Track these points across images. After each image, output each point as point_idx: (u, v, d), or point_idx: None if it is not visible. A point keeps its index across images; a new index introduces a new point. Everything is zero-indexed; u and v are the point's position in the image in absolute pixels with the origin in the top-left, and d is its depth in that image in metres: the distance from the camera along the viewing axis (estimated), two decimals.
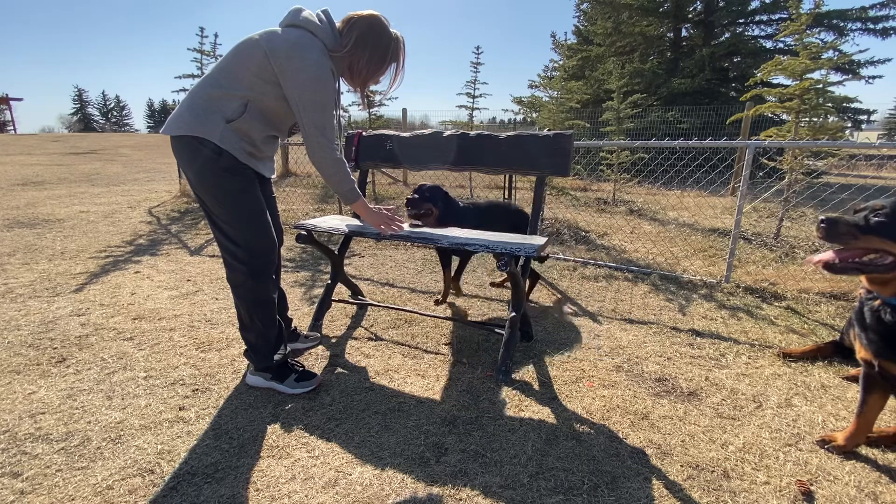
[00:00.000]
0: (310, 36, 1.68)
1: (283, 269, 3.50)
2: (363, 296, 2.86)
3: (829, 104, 4.64)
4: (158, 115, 77.88)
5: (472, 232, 2.20)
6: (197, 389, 1.91)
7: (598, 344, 2.34)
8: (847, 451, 1.57)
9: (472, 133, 2.47)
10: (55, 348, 2.24)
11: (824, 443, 1.60)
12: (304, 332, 2.33)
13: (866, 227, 1.37)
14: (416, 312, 2.59)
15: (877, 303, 1.45)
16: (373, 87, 1.96)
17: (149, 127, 76.53)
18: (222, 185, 1.70)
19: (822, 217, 1.41)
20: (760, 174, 5.34)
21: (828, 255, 1.45)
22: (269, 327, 1.87)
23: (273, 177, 2.00)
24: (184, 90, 7.60)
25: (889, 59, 11.49)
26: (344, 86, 1.92)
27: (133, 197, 7.04)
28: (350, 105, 8.21)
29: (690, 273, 3.44)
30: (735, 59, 12.67)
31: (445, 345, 2.35)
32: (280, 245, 2.10)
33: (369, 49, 1.78)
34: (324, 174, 1.83)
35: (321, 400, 1.85)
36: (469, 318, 2.68)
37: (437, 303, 2.85)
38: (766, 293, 3.04)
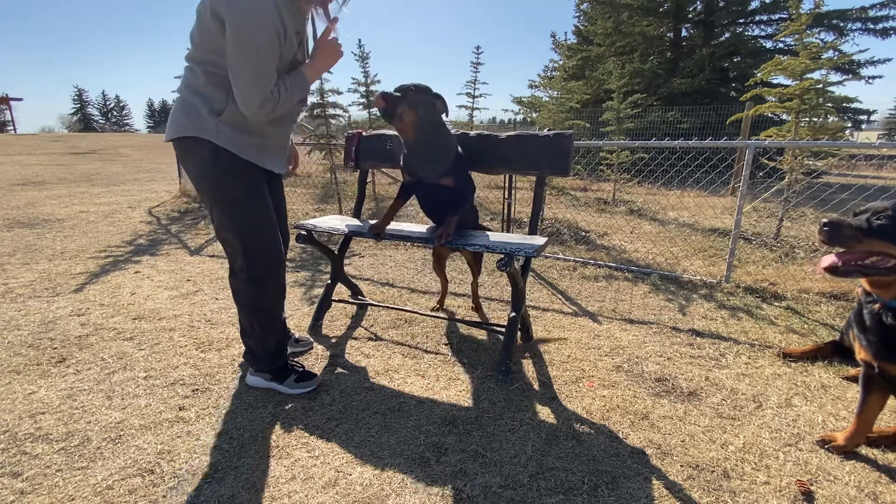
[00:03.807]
0: None
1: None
2: (363, 296, 2.86)
3: (829, 104, 4.64)
4: (158, 115, 77.99)
5: (473, 232, 2.20)
6: (197, 389, 1.91)
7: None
8: (847, 451, 1.57)
9: (472, 133, 2.47)
10: (55, 348, 2.24)
11: (824, 443, 1.60)
12: (297, 336, 2.28)
13: (869, 231, 1.36)
14: (416, 312, 2.59)
15: (877, 306, 1.45)
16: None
17: (149, 127, 76.57)
18: (223, 189, 1.63)
19: (825, 220, 1.40)
20: (760, 174, 5.33)
21: (830, 259, 1.44)
22: (269, 333, 1.84)
23: (285, 172, 1.89)
24: None
25: (889, 59, 11.48)
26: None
27: (133, 197, 7.04)
28: (350, 105, 8.24)
29: (690, 273, 3.43)
30: (735, 59, 12.66)
31: (445, 345, 2.35)
32: (286, 247, 2.03)
33: None
34: (270, 118, 1.62)
35: (321, 400, 1.85)
36: (469, 318, 2.68)
37: (433, 310, 2.77)
38: (766, 293, 3.04)
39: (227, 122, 1.58)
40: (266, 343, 1.84)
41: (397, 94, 1.93)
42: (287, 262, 3.69)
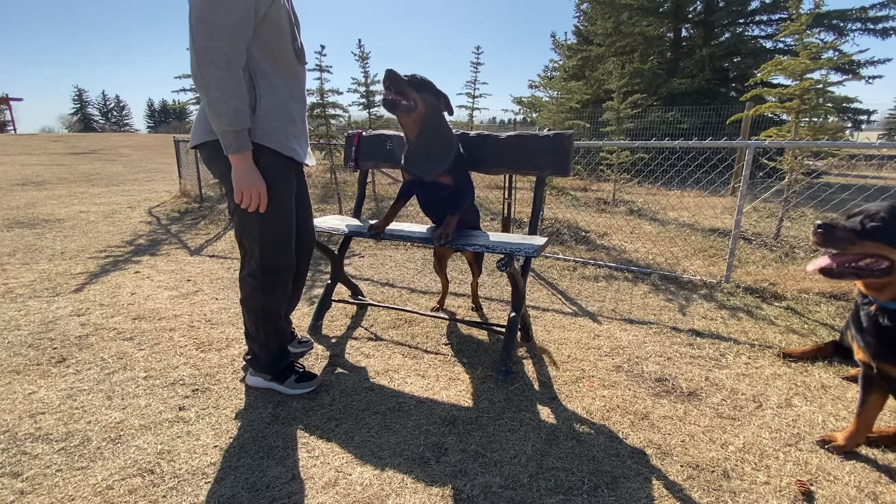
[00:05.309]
0: None
1: None
2: (363, 296, 2.85)
3: (829, 104, 4.64)
4: (158, 116, 77.98)
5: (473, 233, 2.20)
6: (197, 389, 1.91)
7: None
8: (847, 451, 1.57)
9: (473, 133, 2.47)
10: (55, 348, 2.24)
11: (824, 443, 1.60)
12: (300, 336, 2.28)
13: (863, 233, 1.36)
14: (416, 312, 2.59)
15: (873, 308, 1.45)
16: None
17: (149, 127, 76.54)
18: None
19: (819, 223, 1.40)
20: (760, 174, 5.34)
21: (824, 260, 1.44)
22: (272, 337, 1.84)
23: (312, 164, 1.83)
24: (183, 90, 7.62)
25: (889, 59, 11.48)
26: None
27: (133, 197, 7.04)
28: (350, 105, 8.23)
29: (690, 273, 3.43)
30: (735, 59, 12.66)
31: (445, 345, 2.35)
32: (312, 246, 2.03)
33: None
34: (208, 97, 1.42)
35: (321, 400, 1.85)
36: (469, 318, 2.68)
37: (433, 309, 2.78)
38: (766, 293, 3.04)
39: (264, 116, 1.54)
40: (268, 347, 1.85)
41: (405, 77, 1.91)
42: None
